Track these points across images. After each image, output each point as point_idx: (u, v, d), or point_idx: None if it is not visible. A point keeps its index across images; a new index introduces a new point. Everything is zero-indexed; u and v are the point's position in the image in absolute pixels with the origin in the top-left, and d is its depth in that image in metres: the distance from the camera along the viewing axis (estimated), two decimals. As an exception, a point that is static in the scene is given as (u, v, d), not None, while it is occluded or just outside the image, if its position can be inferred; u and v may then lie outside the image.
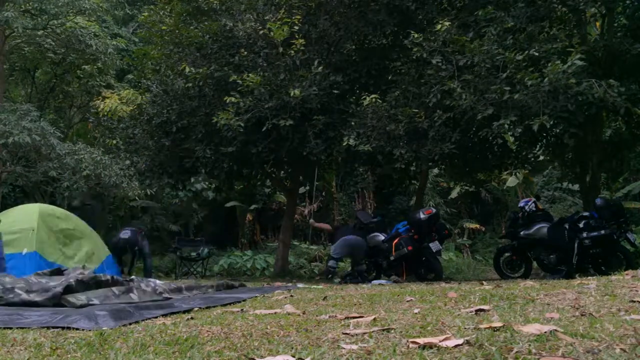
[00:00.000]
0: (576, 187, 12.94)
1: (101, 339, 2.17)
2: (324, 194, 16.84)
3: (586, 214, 7.18)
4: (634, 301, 2.49)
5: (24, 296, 3.70)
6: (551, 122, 7.26)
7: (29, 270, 7.44)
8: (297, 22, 8.39)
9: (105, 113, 14.01)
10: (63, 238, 8.07)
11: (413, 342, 1.71)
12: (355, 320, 2.39)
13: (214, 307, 3.52)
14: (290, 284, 6.62)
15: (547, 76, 6.60)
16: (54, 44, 14.93)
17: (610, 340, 1.65)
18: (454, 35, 7.42)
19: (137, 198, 14.46)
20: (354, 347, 1.74)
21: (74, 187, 12.54)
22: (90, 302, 3.65)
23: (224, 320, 2.65)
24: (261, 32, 8.72)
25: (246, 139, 8.60)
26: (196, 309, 3.39)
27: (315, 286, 5.76)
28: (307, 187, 13.85)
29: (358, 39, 9.37)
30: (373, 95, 7.97)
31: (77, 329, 2.52)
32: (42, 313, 3.07)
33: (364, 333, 1.96)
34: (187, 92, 9.38)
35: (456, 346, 1.65)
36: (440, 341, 1.69)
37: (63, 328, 2.54)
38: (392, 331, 2.01)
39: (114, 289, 4.07)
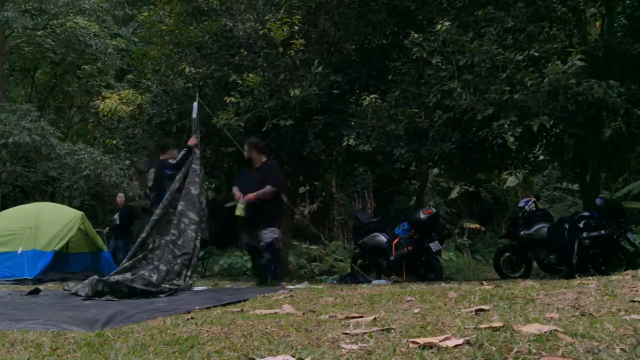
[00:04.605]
0: (576, 187, 12.94)
1: (101, 339, 2.17)
2: (323, 194, 16.84)
3: (586, 214, 7.17)
4: (634, 301, 2.49)
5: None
6: (551, 122, 7.25)
7: (26, 269, 7.48)
8: (297, 22, 8.38)
9: (105, 113, 14.02)
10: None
11: (413, 342, 1.71)
12: (355, 320, 2.39)
13: (214, 307, 3.52)
14: (290, 285, 6.62)
15: (547, 76, 6.59)
16: (54, 44, 14.94)
17: (610, 340, 1.65)
18: (454, 35, 7.42)
19: (137, 198, 14.46)
20: (354, 347, 1.74)
21: (74, 187, 12.55)
22: None
23: (224, 320, 2.65)
24: (261, 32, 8.71)
25: (246, 139, 8.59)
26: (196, 308, 3.39)
27: (315, 286, 5.76)
28: (307, 187, 13.85)
29: (358, 39, 9.37)
30: (373, 95, 7.96)
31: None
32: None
33: (364, 333, 1.96)
34: (187, 92, 9.37)
35: (456, 346, 1.65)
36: (440, 341, 1.69)
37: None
38: (392, 331, 2.01)
39: None
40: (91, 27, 15.22)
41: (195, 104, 6.13)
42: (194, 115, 6.07)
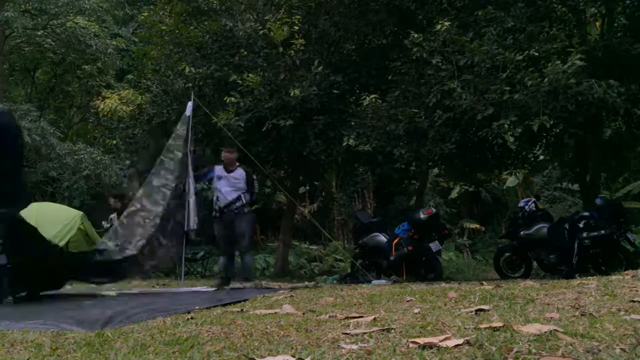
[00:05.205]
0: (576, 187, 12.93)
1: (101, 339, 2.17)
2: (323, 194, 16.84)
3: (586, 214, 7.16)
4: (634, 301, 2.49)
5: None
6: (551, 122, 7.25)
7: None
8: (297, 22, 8.39)
9: (105, 113, 14.00)
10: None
11: (413, 342, 1.71)
12: (355, 320, 2.39)
13: (214, 307, 3.52)
14: (290, 285, 6.62)
15: (547, 76, 6.59)
16: (54, 44, 14.92)
17: (610, 340, 1.65)
18: (454, 35, 7.42)
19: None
20: (354, 347, 1.74)
21: (74, 187, 12.55)
22: None
23: (224, 320, 2.65)
24: (261, 32, 8.72)
25: (246, 139, 8.61)
26: (196, 308, 3.39)
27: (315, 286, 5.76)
28: (307, 187, 13.85)
29: (358, 39, 9.37)
30: (373, 95, 7.96)
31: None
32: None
33: (364, 333, 1.96)
34: (187, 92, 9.39)
35: (456, 346, 1.65)
36: (440, 341, 1.69)
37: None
38: (392, 331, 2.01)
39: None
40: (91, 27, 15.20)
41: (190, 104, 6.24)
42: (188, 113, 6.19)
